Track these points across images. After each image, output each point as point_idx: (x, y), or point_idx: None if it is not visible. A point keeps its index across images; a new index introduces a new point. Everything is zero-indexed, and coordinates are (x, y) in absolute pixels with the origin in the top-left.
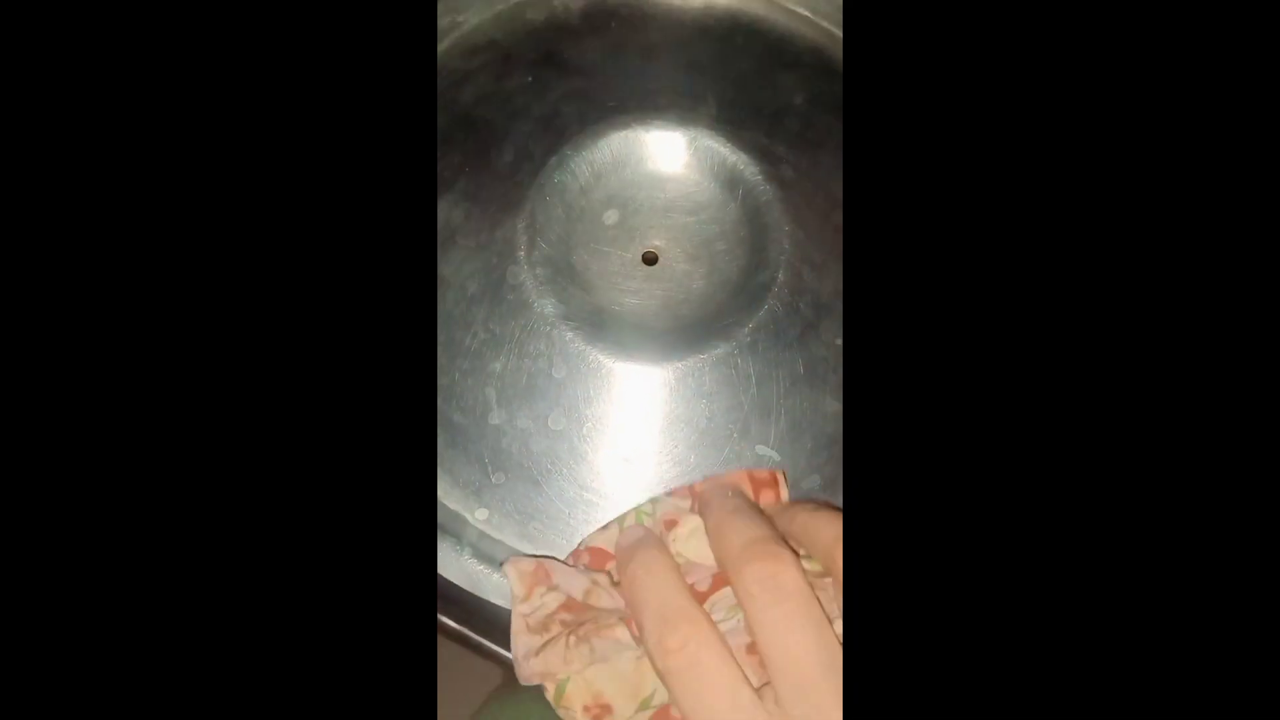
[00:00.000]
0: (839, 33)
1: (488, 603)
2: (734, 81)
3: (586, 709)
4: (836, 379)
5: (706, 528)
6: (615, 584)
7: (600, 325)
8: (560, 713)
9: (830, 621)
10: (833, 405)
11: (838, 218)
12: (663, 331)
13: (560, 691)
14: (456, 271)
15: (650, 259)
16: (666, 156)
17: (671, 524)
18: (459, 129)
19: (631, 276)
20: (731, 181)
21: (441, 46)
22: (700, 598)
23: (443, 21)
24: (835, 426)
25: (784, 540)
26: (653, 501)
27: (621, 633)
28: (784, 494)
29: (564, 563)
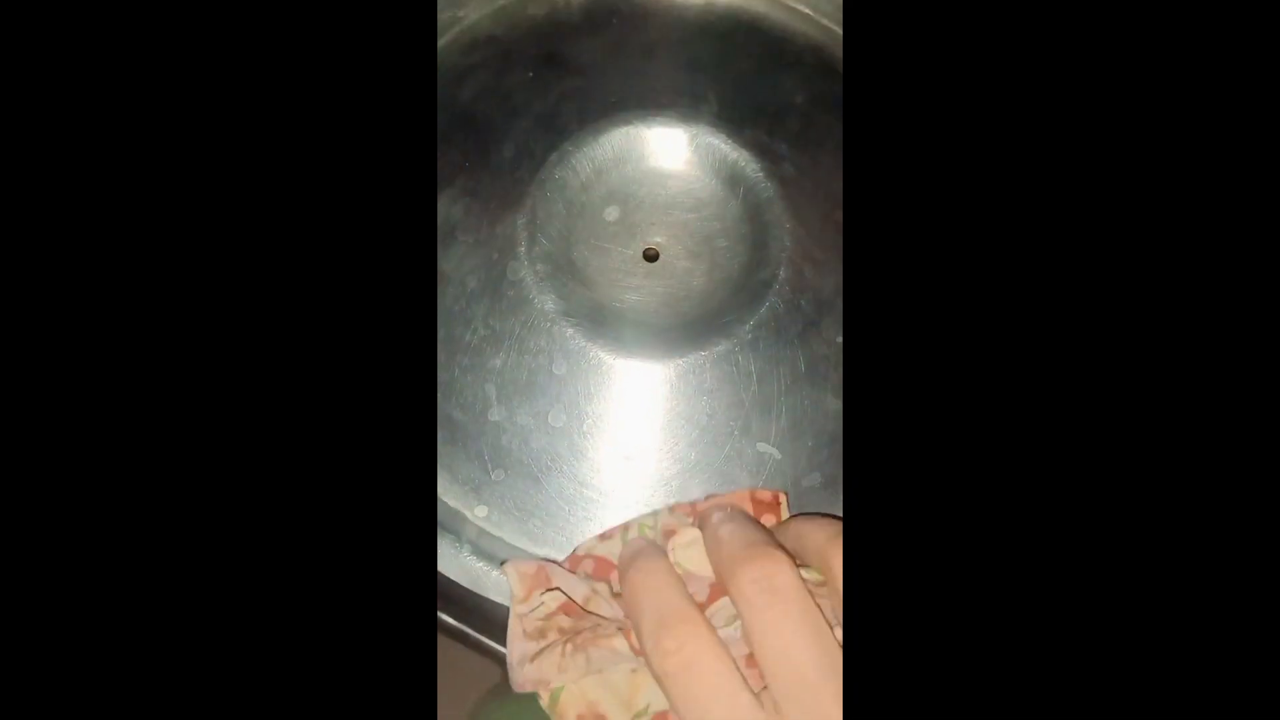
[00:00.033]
0: (840, 30)
1: (487, 600)
2: (735, 79)
3: (580, 718)
4: (838, 376)
5: (704, 538)
6: (616, 595)
7: (601, 322)
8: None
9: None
10: (834, 403)
11: (839, 215)
12: (664, 328)
13: (554, 699)
14: (456, 267)
15: (651, 256)
16: (668, 153)
17: (670, 534)
18: (459, 125)
19: (632, 273)
20: (733, 178)
21: (441, 42)
22: (698, 608)
23: (443, 17)
24: (836, 424)
25: (781, 546)
26: (654, 515)
27: (619, 643)
28: (785, 516)
29: (565, 568)
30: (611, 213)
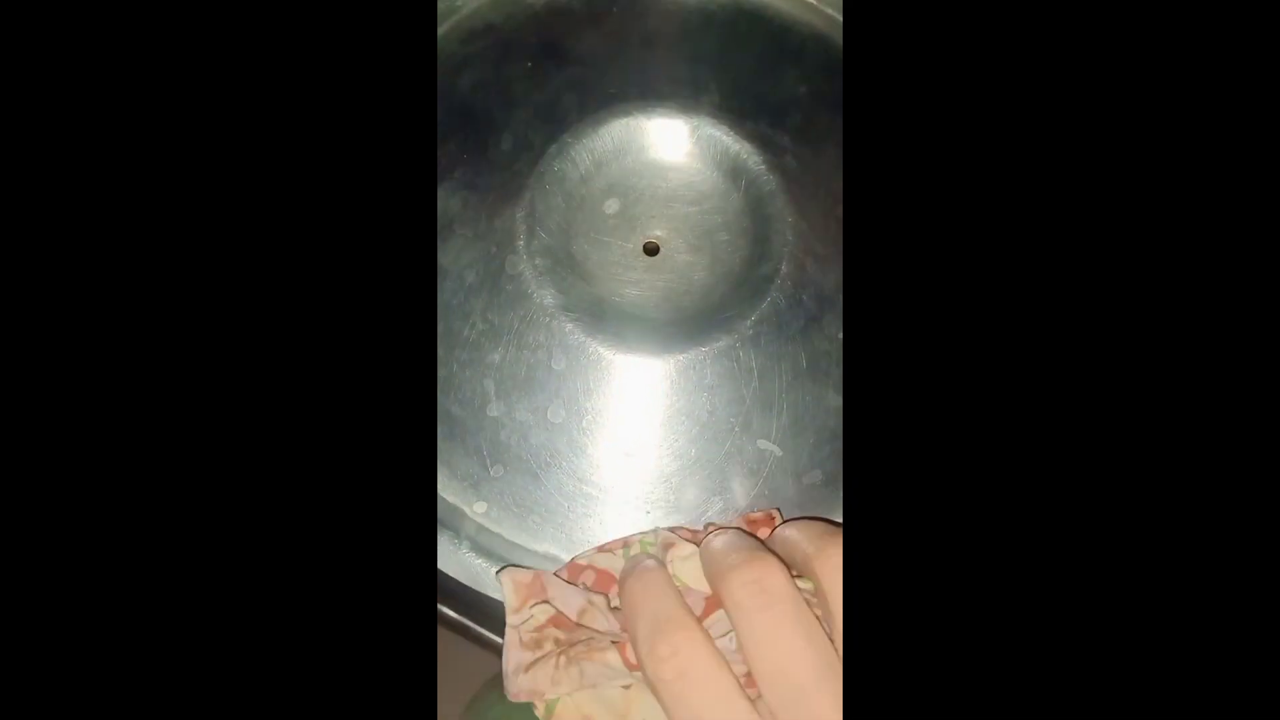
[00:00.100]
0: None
1: (486, 597)
2: (737, 70)
3: None
4: (839, 373)
5: (700, 552)
6: (614, 609)
7: (600, 316)
8: None
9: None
10: (835, 399)
11: (841, 209)
12: (664, 323)
13: (549, 711)
14: (454, 261)
15: (651, 249)
16: (668, 145)
17: (669, 546)
18: (457, 116)
19: (632, 267)
20: (734, 171)
21: (439, 32)
22: (695, 617)
23: (441, 5)
24: (838, 421)
25: (774, 553)
26: (654, 532)
27: (613, 657)
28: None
29: (562, 578)
30: (611, 206)
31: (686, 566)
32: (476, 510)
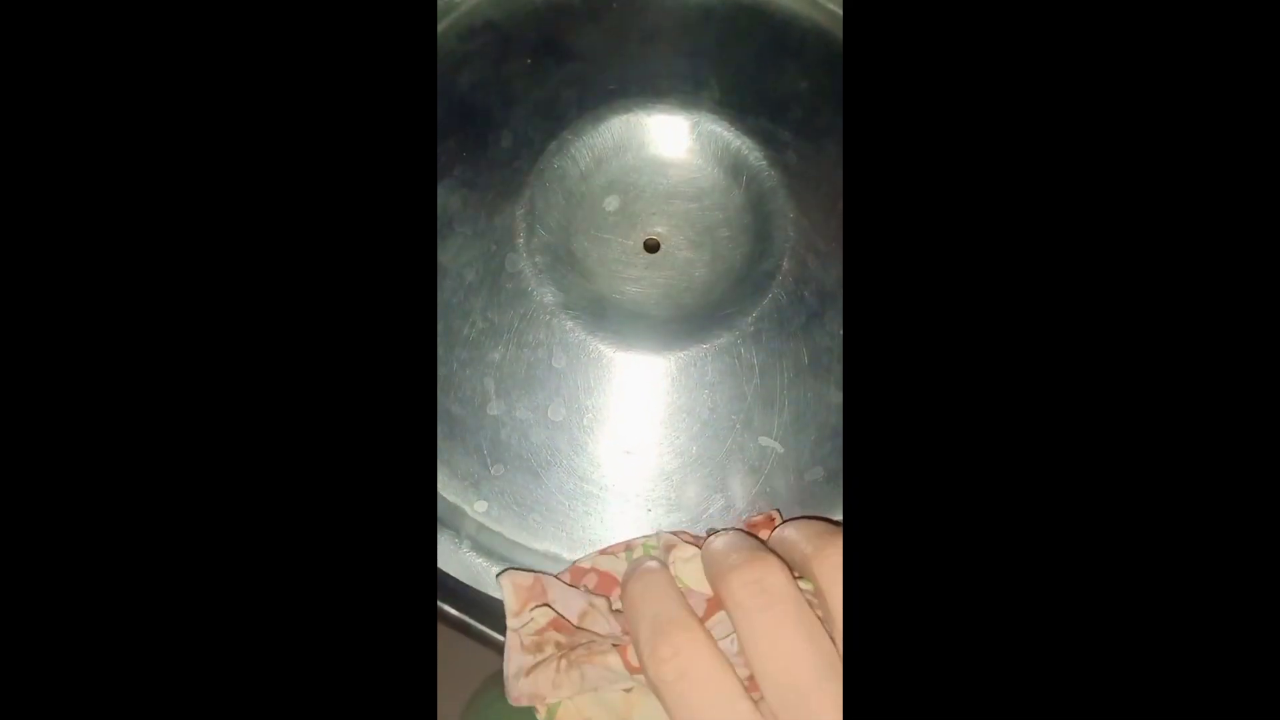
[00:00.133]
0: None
1: (487, 595)
2: (738, 65)
3: None
4: (841, 369)
5: (702, 553)
6: (615, 611)
7: (601, 314)
8: None
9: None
10: (837, 396)
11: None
12: (664, 320)
13: (551, 714)
14: (454, 259)
15: (652, 246)
16: (669, 141)
17: (671, 547)
18: (456, 114)
19: (633, 264)
20: (735, 167)
21: (439, 28)
22: (697, 618)
23: (440, 2)
24: (839, 418)
25: (774, 553)
26: (656, 535)
27: (613, 660)
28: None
29: (563, 581)
30: (611, 202)
31: (688, 568)
32: (477, 509)
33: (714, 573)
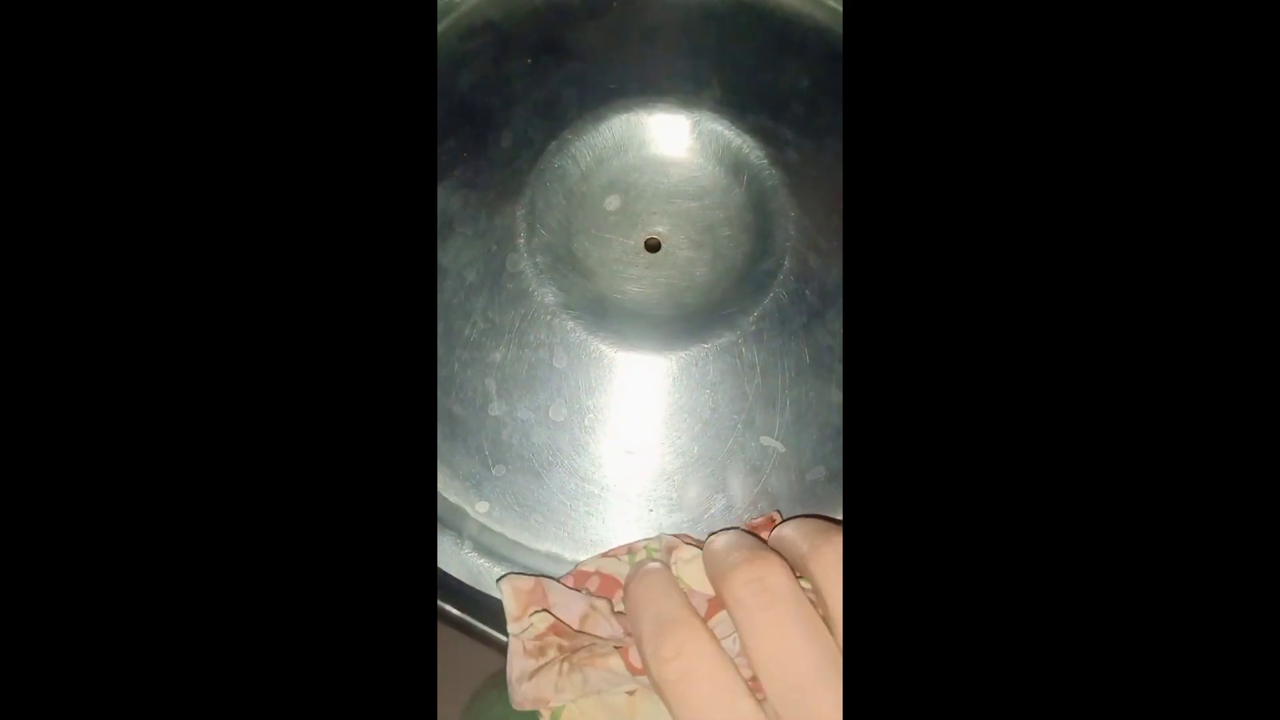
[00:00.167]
0: None
1: (489, 596)
2: (738, 63)
3: None
4: (842, 368)
5: (703, 552)
6: (617, 613)
7: (602, 314)
8: None
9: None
10: (838, 395)
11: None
12: (665, 320)
13: (555, 718)
14: (455, 260)
15: (653, 246)
16: (669, 141)
17: (672, 549)
18: (456, 114)
19: (633, 264)
20: (736, 166)
21: (439, 28)
22: (699, 616)
23: (440, 3)
24: (841, 417)
25: (776, 552)
26: (658, 538)
27: (615, 662)
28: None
29: (564, 584)
30: (612, 202)
31: (690, 569)
32: (479, 510)
33: (715, 572)
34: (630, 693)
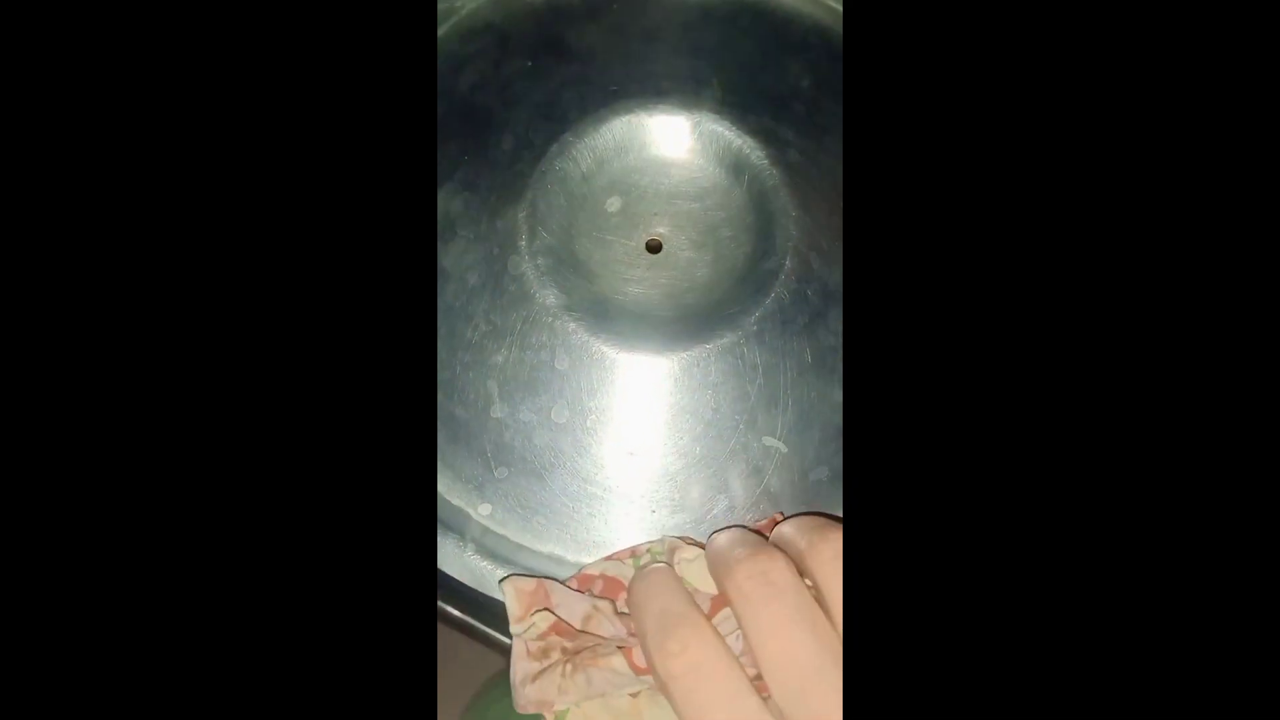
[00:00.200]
0: None
1: (492, 599)
2: (739, 64)
3: None
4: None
5: (706, 549)
6: (621, 614)
7: (603, 315)
8: None
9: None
10: (840, 395)
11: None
12: (667, 321)
13: None
14: (456, 263)
15: (654, 247)
16: (670, 141)
17: (675, 549)
18: (457, 116)
19: (635, 265)
20: (737, 166)
21: (439, 32)
22: (703, 613)
23: (440, 6)
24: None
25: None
26: (661, 541)
27: (618, 662)
28: None
29: (572, 585)
30: (613, 204)
31: (692, 569)
32: (481, 512)
33: (718, 567)
34: (634, 695)
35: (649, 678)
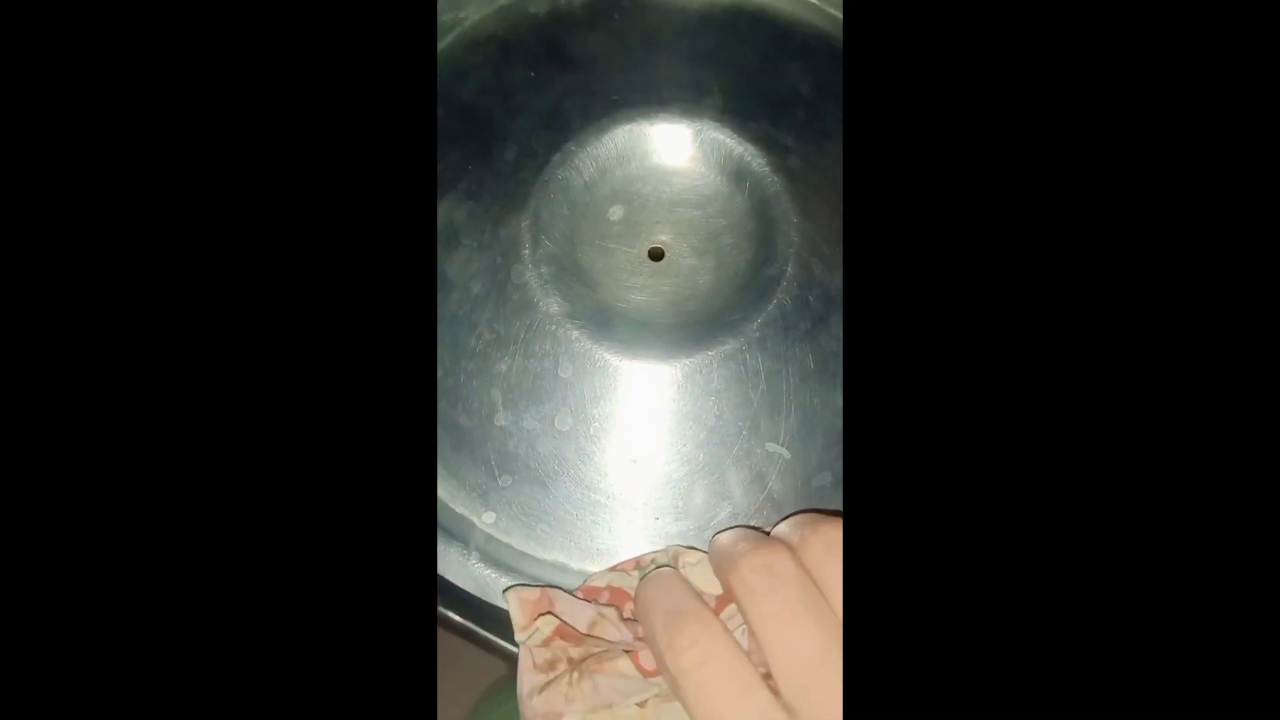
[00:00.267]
0: None
1: (495, 606)
2: (739, 71)
3: None
4: None
5: (709, 548)
6: (627, 619)
7: (606, 323)
8: None
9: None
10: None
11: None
12: (670, 328)
13: None
14: (460, 272)
15: (656, 254)
16: (672, 150)
17: (678, 555)
18: (459, 125)
19: (637, 273)
20: (738, 174)
21: (442, 44)
22: (711, 609)
23: (444, 19)
24: None
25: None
26: (665, 550)
27: (625, 665)
28: None
29: (578, 596)
30: (616, 212)
31: (695, 572)
32: (485, 520)
33: (722, 563)
34: (641, 705)
35: (657, 680)
